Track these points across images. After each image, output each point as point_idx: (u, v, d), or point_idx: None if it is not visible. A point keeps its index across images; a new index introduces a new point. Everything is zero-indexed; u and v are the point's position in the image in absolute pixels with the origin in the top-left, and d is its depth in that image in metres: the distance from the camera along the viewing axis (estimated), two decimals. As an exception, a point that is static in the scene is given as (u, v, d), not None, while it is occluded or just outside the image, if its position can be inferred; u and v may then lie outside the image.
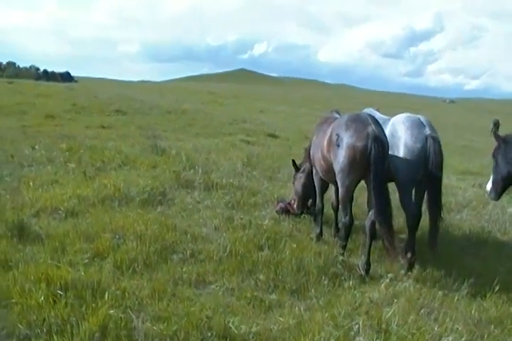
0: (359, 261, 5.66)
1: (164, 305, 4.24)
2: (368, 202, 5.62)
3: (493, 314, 4.64)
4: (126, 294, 4.27)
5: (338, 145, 5.42)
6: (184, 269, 5.06)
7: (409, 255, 5.73)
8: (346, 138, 5.33)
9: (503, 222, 7.85)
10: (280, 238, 6.14)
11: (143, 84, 71.12)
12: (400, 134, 5.76)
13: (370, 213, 5.51)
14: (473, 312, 4.58)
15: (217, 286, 4.89)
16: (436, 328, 4.23)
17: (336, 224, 6.79)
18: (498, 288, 5.08)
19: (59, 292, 3.96)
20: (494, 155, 5.63)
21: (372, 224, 5.47)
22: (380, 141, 5.27)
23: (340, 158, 5.40)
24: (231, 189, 8.25)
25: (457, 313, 4.56)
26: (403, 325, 4.29)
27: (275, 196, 8.06)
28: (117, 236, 5.55)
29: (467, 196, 9.56)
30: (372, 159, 5.21)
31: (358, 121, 5.41)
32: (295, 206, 7.32)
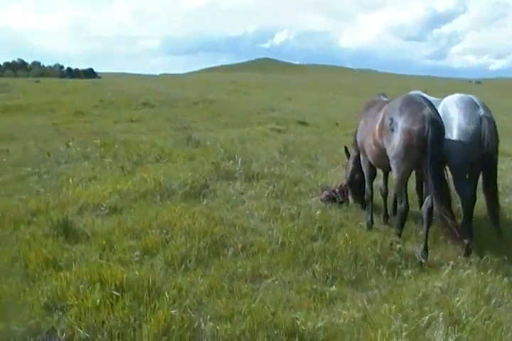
0: (416, 248, 5.37)
1: (224, 302, 4.06)
2: (417, 187, 5.34)
3: None
4: (184, 292, 4.09)
5: (393, 130, 5.14)
6: (238, 264, 4.85)
7: (466, 240, 5.40)
8: (401, 122, 5.04)
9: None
10: (331, 227, 5.89)
11: (164, 77, 71.20)
12: (453, 115, 5.46)
13: (426, 199, 5.21)
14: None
15: (273, 280, 4.67)
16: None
17: (386, 211, 6.49)
18: None
19: (115, 293, 3.78)
20: None
21: (429, 209, 5.17)
22: (437, 124, 5.00)
23: (395, 143, 5.11)
24: (272, 178, 8.02)
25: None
26: (474, 314, 4.01)
27: (318, 184, 7.80)
28: (165, 232, 5.38)
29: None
30: (429, 142, 4.94)
31: (413, 104, 5.12)
32: (348, 193, 7.06)
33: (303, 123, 18.86)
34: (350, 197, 7.04)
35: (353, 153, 6.86)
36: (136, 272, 4.18)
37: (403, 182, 5.31)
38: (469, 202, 5.47)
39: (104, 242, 5.01)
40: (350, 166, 6.87)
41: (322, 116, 22.33)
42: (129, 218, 5.80)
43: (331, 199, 7.05)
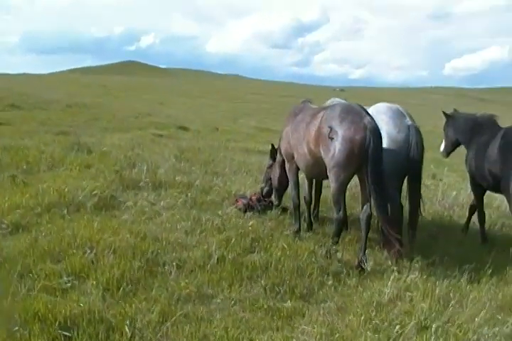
0: (357, 255, 5.37)
1: (185, 331, 3.58)
2: (361, 195, 5.36)
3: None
4: (138, 322, 3.53)
5: (332, 138, 5.06)
6: (182, 284, 4.36)
7: (397, 246, 5.58)
8: (343, 131, 5.00)
9: (452, 205, 8.12)
10: (263, 238, 5.67)
11: (25, 76, 64.82)
12: (382, 124, 5.57)
13: (365, 207, 5.26)
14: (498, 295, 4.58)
15: (221, 299, 4.30)
16: (476, 319, 4.09)
17: (310, 219, 6.46)
18: (490, 270, 5.20)
19: (64, 333, 3.10)
20: (444, 128, 7.23)
21: (368, 217, 5.22)
22: (377, 133, 5.08)
23: (335, 152, 5.06)
24: (181, 187, 7.56)
25: (481, 298, 4.51)
26: (436, 319, 4.11)
27: (230, 192, 7.54)
28: (88, 251, 4.65)
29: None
30: (371, 151, 4.98)
31: (353, 113, 5.12)
32: (272, 197, 6.91)
33: (183, 129, 18.46)
34: (275, 200, 6.92)
35: (278, 158, 6.73)
36: (80, 304, 3.50)
37: (342, 191, 5.29)
38: (398, 209, 5.65)
39: (19, 268, 4.14)
40: (277, 171, 6.74)
41: (200, 122, 22.10)
42: (40, 236, 4.93)
43: (249, 207, 6.84)
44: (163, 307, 3.89)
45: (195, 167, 9.35)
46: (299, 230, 6.10)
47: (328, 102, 7.19)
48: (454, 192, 8.73)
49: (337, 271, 5.10)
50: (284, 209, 6.95)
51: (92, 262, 4.51)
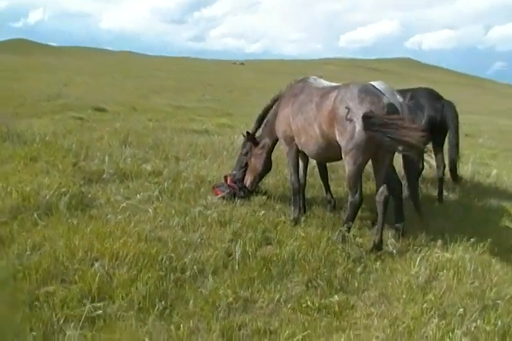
0: (374, 238, 5.15)
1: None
2: (376, 177, 5.15)
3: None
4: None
5: (351, 120, 4.71)
6: (221, 291, 3.84)
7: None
8: (362, 112, 4.68)
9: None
10: (269, 227, 5.25)
11: None
12: None
13: (381, 188, 5.05)
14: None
15: (265, 303, 3.87)
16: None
17: (304, 205, 6.11)
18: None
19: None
20: None
21: (386, 198, 5.04)
22: (397, 111, 4.83)
23: (354, 134, 4.74)
24: (147, 176, 6.85)
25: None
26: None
27: (202, 178, 6.95)
28: (96, 264, 3.92)
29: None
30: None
31: (371, 93, 4.83)
32: (248, 183, 6.41)
33: (101, 110, 17.07)
34: (250, 186, 6.45)
35: (266, 142, 6.24)
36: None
37: (359, 174, 5.02)
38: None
39: (23, 296, 3.33)
40: (263, 156, 6.25)
41: (114, 102, 20.56)
42: (25, 251, 4.07)
43: (234, 195, 6.35)
44: (223, 325, 3.36)
45: (145, 152, 8.56)
46: (299, 216, 5.73)
47: (311, 80, 6.82)
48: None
49: (358, 256, 4.85)
50: (265, 193, 6.56)
51: (111, 276, 3.81)
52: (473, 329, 3.61)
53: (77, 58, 62.86)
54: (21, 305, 3.28)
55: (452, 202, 7.15)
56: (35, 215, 4.91)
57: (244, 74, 56.06)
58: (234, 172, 6.78)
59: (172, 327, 3.31)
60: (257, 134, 6.63)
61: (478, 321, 3.71)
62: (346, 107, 4.78)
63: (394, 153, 5.17)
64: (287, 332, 3.42)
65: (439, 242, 5.23)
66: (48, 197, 5.29)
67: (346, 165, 4.99)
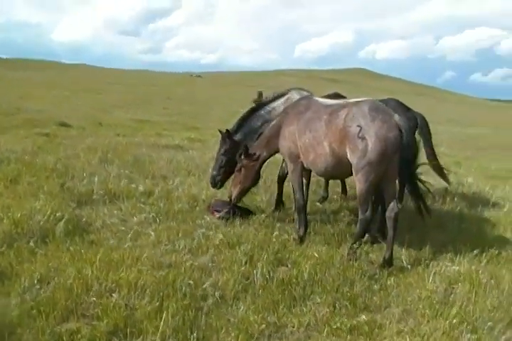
0: (384, 254, 5.12)
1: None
2: (386, 193, 5.17)
3: None
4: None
5: (363, 138, 4.73)
6: (251, 318, 3.69)
7: None
8: (375, 130, 4.74)
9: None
10: (280, 248, 5.14)
11: None
12: None
13: (391, 204, 5.05)
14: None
15: (295, 327, 3.75)
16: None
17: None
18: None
19: None
20: None
21: (396, 215, 5.05)
22: (408, 130, 4.96)
23: (367, 152, 4.78)
24: (138, 197, 6.62)
25: None
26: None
27: (195, 198, 6.79)
28: (115, 296, 3.68)
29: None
30: (404, 149, 4.89)
31: (382, 111, 4.91)
32: (234, 195, 6.28)
33: (65, 125, 16.52)
34: (234, 199, 6.33)
35: (263, 156, 6.14)
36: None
37: (371, 191, 5.05)
38: None
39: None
40: (255, 168, 6.18)
41: (77, 116, 19.95)
42: (33, 285, 3.76)
43: (231, 214, 6.20)
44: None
45: (128, 170, 8.27)
46: (304, 234, 5.64)
47: (292, 94, 6.79)
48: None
49: (373, 273, 4.81)
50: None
51: (129, 310, 3.57)
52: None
53: (31, 71, 60.88)
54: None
55: (444, 213, 7.24)
56: (32, 243, 4.60)
57: (203, 87, 55.97)
58: (214, 172, 6.65)
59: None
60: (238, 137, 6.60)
61: (508, 333, 3.73)
62: (358, 125, 4.81)
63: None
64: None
65: (446, 255, 5.27)
66: (41, 222, 4.98)
67: (357, 183, 4.97)
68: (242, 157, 6.23)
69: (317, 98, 5.96)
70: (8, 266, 4.14)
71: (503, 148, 24.88)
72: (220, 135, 6.77)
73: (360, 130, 4.78)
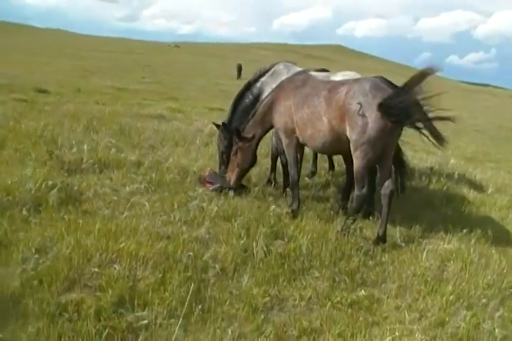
0: (378, 231, 5.18)
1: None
2: (381, 171, 5.20)
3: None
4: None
5: (363, 115, 4.72)
6: (255, 291, 3.70)
7: None
8: (376, 107, 4.69)
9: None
10: (276, 222, 5.13)
11: None
12: None
13: (387, 182, 5.09)
14: None
15: (296, 300, 3.78)
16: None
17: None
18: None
19: None
20: None
21: (391, 192, 5.10)
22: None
23: (366, 129, 4.77)
24: (128, 166, 6.49)
25: None
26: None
27: (185, 168, 6.69)
28: (117, 267, 3.63)
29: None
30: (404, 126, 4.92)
31: (382, 89, 4.86)
32: (233, 180, 6.19)
33: (44, 92, 16.05)
34: (233, 182, 6.24)
35: (258, 134, 6.06)
36: None
37: (367, 168, 5.09)
38: None
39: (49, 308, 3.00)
40: (251, 148, 6.09)
41: (55, 83, 19.36)
42: (29, 254, 3.67)
43: (224, 187, 6.14)
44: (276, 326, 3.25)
45: (115, 139, 8.08)
46: (297, 208, 5.65)
47: (278, 66, 6.72)
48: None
49: (367, 248, 4.87)
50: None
51: (133, 281, 3.53)
52: (496, 318, 3.75)
53: (4, 34, 58.43)
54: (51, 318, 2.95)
55: (431, 191, 7.36)
56: (24, 211, 4.47)
57: (180, 57, 54.81)
58: (222, 174, 6.54)
59: (218, 331, 3.13)
60: (235, 123, 6.49)
61: (501, 310, 3.85)
62: (358, 103, 4.80)
63: None
64: (335, 330, 3.35)
65: (437, 234, 5.38)
66: (33, 191, 4.84)
67: (355, 160, 4.97)
68: (237, 140, 6.13)
69: (313, 72, 5.90)
70: (3, 235, 4.02)
71: (479, 131, 25.35)
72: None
73: (361, 107, 4.77)
